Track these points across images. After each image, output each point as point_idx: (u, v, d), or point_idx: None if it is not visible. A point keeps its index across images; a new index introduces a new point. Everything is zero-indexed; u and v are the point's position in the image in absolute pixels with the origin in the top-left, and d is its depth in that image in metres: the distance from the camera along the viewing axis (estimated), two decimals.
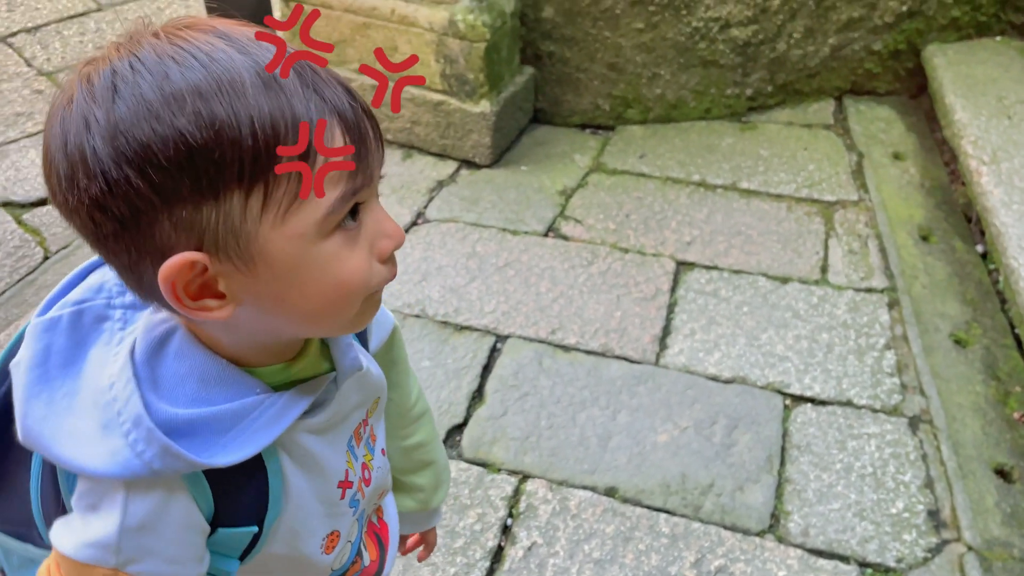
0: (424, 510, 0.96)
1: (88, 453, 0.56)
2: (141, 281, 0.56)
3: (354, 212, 0.57)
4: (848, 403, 1.72)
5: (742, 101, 2.60)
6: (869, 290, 1.99)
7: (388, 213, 0.61)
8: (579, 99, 2.59)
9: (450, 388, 1.76)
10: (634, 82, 2.54)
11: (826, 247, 2.12)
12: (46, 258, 2.14)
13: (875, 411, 1.70)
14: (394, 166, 2.44)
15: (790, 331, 1.88)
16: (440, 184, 2.37)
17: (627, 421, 1.69)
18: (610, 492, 1.56)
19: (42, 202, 2.31)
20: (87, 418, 0.57)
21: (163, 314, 0.61)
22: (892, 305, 1.94)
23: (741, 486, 1.56)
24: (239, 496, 0.62)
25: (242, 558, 0.65)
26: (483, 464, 1.61)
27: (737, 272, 2.05)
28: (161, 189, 0.51)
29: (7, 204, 2.29)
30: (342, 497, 0.71)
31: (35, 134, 2.57)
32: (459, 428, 1.68)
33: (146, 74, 0.51)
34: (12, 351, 0.63)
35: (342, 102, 0.55)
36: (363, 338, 0.76)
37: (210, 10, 0.79)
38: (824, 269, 2.05)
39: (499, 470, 1.60)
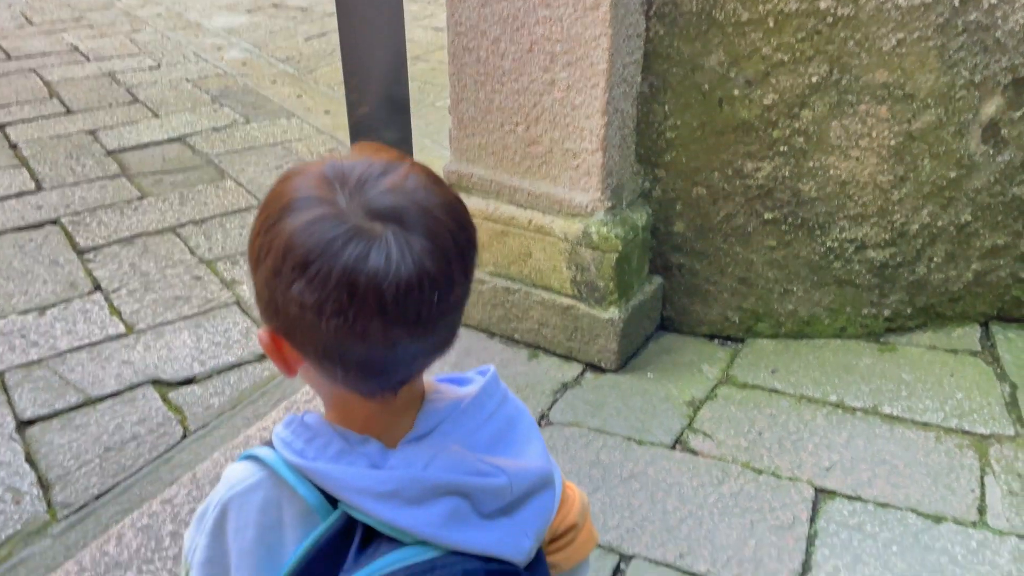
0: None
1: None
2: None
3: None
4: None
5: (880, 322, 2.53)
6: None
7: None
8: (708, 310, 2.58)
9: None
10: (765, 297, 2.52)
11: (982, 485, 1.95)
12: (184, 436, 2.22)
13: None
14: (519, 365, 2.46)
15: None
16: (565, 386, 2.36)
17: None
18: None
19: (189, 381, 2.43)
20: None
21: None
22: None
23: None
24: None
25: None
26: None
27: (883, 505, 1.90)
28: None
29: (156, 382, 2.42)
30: None
31: (190, 316, 2.76)
32: None
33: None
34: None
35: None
36: None
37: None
38: (982, 510, 1.88)
39: None
